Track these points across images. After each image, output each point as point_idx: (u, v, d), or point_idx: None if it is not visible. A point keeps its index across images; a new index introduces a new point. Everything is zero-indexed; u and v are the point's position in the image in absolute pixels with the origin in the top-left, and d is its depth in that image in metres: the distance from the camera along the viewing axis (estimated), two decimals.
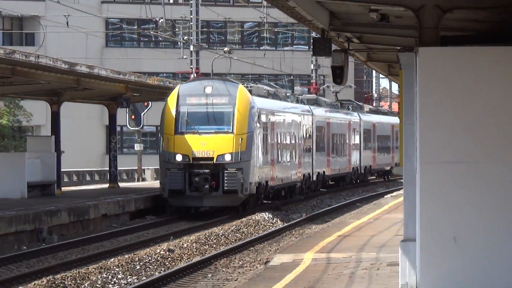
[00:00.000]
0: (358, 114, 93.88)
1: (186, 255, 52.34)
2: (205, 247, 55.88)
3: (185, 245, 54.87)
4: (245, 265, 46.40)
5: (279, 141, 51.77)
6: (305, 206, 73.82)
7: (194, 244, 55.62)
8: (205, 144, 38.27)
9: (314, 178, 70.34)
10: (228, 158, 38.96)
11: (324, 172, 74.66)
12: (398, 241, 28.12)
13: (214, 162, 38.42)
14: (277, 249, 48.23)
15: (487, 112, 21.45)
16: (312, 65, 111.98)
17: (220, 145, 39.14)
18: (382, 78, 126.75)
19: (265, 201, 57.65)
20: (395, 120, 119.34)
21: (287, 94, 77.36)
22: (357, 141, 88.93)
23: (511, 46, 22.10)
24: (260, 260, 45.10)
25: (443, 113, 21.81)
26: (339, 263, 34.38)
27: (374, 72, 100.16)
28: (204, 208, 47.74)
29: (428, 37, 22.97)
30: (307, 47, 71.99)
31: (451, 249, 21.38)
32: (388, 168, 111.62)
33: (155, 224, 49.61)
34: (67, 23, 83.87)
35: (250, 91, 48.60)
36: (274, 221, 71.24)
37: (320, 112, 73.99)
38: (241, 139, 39.02)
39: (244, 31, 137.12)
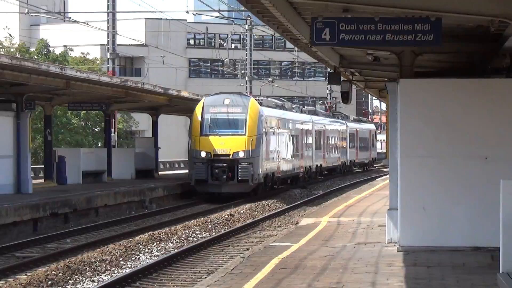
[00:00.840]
0: (346, 122, 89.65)
1: (242, 218, 48.75)
2: (255, 213, 51.40)
3: (242, 211, 51.05)
4: (282, 225, 44.77)
5: (284, 141, 49.70)
6: (321, 186, 70.45)
7: (248, 211, 51.71)
8: (224, 144, 36.52)
9: (314, 169, 67.53)
10: (241, 154, 36.71)
11: (321, 164, 71.93)
12: (386, 210, 27.71)
13: (231, 157, 36.29)
14: (303, 214, 45.47)
15: (445, 121, 22.32)
16: (327, 90, 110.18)
17: (235, 145, 36.82)
18: (375, 99, 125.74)
19: (275, 186, 54.87)
20: (372, 127, 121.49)
21: (292, 106, 73.56)
22: (345, 142, 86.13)
23: (459, 79, 23.26)
24: (292, 222, 43.92)
25: (416, 123, 22.72)
26: (345, 224, 33.61)
27: (369, 95, 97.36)
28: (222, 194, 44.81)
29: (405, 72, 23.44)
30: (324, 78, 69.35)
31: (421, 215, 22.14)
32: (366, 161, 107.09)
33: (197, 202, 45.77)
34: (163, 61, 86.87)
35: (260, 102, 46.22)
36: (302, 195, 66.27)
37: (317, 119, 72.18)
38: (252, 140, 36.66)
39: (282, 67, 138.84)
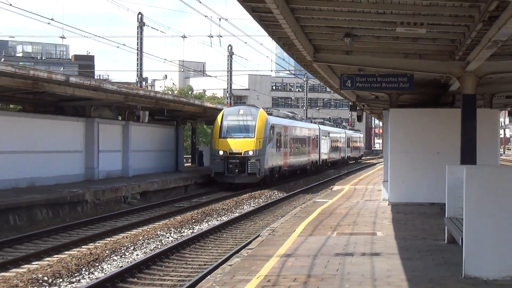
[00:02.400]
0: (344, 130, 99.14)
1: (297, 186, 55.72)
2: (306, 183, 58.51)
3: (298, 183, 59.10)
4: (323, 189, 49.60)
5: (291, 142, 54.76)
6: (339, 171, 77.79)
7: (301, 182, 59.96)
8: (237, 144, 40.97)
9: (320, 163, 73.52)
10: (251, 153, 41.23)
11: (326, 159, 78.38)
12: (381, 181, 34.12)
13: (242, 155, 40.72)
14: (335, 183, 50.85)
15: (414, 132, 27.45)
16: (349, 114, 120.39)
17: (246, 145, 41.18)
18: (376, 120, 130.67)
19: (287, 175, 58.54)
20: (361, 134, 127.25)
21: (303, 117, 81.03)
22: (343, 143, 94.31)
23: (422, 108, 28.73)
24: (328, 187, 48.61)
25: (398, 133, 27.79)
26: (359, 189, 40.04)
27: (373, 117, 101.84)
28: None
29: (393, 105, 28.94)
30: (348, 108, 68.02)
31: (401, 185, 27.43)
32: (357, 156, 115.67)
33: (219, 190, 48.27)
34: (257, 97, 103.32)
35: (270, 113, 51.23)
36: (334, 174, 74.10)
37: (323, 127, 77.78)
38: (259, 141, 40.99)
39: (324, 101, 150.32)
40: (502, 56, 18.96)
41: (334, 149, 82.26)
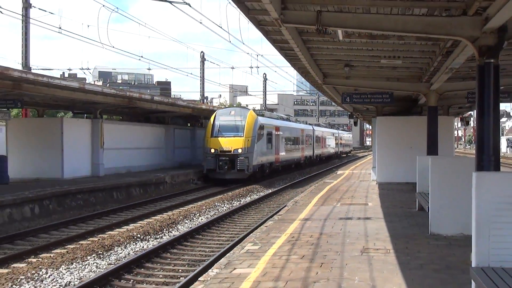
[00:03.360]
0: (338, 131, 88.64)
1: (310, 172, 50.43)
2: (317, 171, 50.74)
3: (310, 171, 51.87)
4: (330, 174, 44.43)
5: (283, 140, 44.50)
6: (335, 163, 68.01)
7: (310, 170, 52.42)
8: (227, 143, 33.86)
9: (314, 157, 61.21)
10: (239, 151, 34.07)
11: (320, 154, 66.01)
12: (370, 167, 32.41)
13: (232, 153, 33.75)
14: (338, 169, 44.04)
15: (395, 133, 26.70)
16: (348, 121, 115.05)
17: (235, 143, 33.96)
18: (367, 125, 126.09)
19: (280, 169, 46.62)
20: (350, 134, 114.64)
21: (297, 119, 65.76)
22: (336, 141, 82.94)
23: (399, 116, 28.01)
24: (334, 172, 44.26)
25: (383, 134, 27.26)
26: (356, 173, 37.56)
27: (365, 123, 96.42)
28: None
29: (379, 113, 28.00)
30: (347, 116, 62.88)
31: (385, 169, 26.69)
32: (347, 151, 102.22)
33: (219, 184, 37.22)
34: (284, 110, 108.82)
35: (262, 114, 41.90)
36: (337, 162, 69.55)
37: (317, 128, 65.81)
38: (248, 140, 33.94)
39: (331, 111, 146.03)
40: (455, 79, 18.82)
41: (327, 146, 73.03)
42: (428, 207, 12.61)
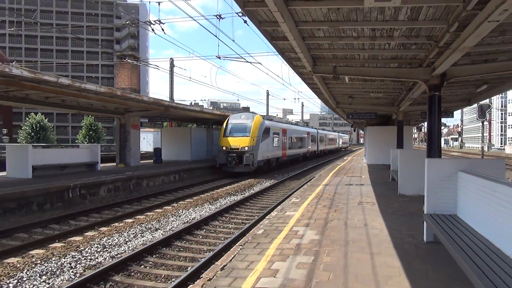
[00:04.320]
0: (338, 133, 72.86)
1: (324, 160, 40.28)
2: (330, 159, 42.12)
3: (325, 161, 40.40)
4: (331, 164, 35.93)
5: (290, 139, 33.52)
6: (336, 155, 55.63)
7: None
8: (236, 141, 25.61)
9: (318, 151, 47.61)
10: (246, 148, 25.55)
11: (324, 149, 51.66)
12: (363, 156, 31.72)
13: (239, 150, 25.40)
14: (343, 157, 41.30)
15: (378, 136, 25.69)
16: (350, 129, 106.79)
17: (242, 142, 25.58)
18: (361, 131, 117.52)
19: (288, 162, 33.44)
20: (347, 135, 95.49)
21: (305, 124, 54.27)
22: (337, 140, 66.56)
23: (381, 126, 26.30)
24: (335, 163, 36.58)
25: (371, 136, 26.16)
26: (354, 159, 31.11)
27: (360, 130, 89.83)
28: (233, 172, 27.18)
29: (368, 124, 27.38)
30: (350, 125, 57.12)
31: (372, 156, 25.86)
32: (345, 146, 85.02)
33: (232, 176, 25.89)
34: (313, 123, 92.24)
35: (270, 119, 31.80)
36: (337, 154, 52.76)
37: (322, 131, 51.70)
38: (253, 139, 25.81)
39: (340, 123, 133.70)
40: (414, 105, 17.99)
41: (330, 143, 59.38)
42: (397, 178, 12.28)
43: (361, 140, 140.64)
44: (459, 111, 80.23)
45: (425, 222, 6.53)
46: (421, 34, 8.01)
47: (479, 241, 4.78)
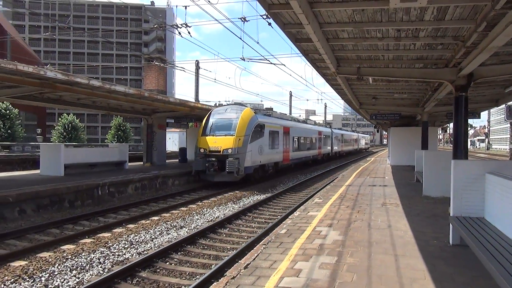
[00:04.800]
0: (357, 133, 64.21)
1: (348, 161, 35.10)
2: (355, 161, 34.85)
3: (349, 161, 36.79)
4: (363, 160, 37.11)
5: (294, 140, 26.92)
6: (357, 156, 50.25)
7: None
8: (216, 142, 18.73)
9: (332, 154, 39.92)
10: (229, 151, 18.42)
11: (339, 151, 44.22)
12: (387, 156, 31.11)
13: (221, 153, 18.43)
14: (360, 161, 38.86)
15: (402, 137, 25.19)
16: (373, 129, 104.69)
17: (225, 143, 18.49)
18: (384, 132, 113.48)
19: (292, 167, 27.35)
20: (367, 136, 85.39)
21: (316, 122, 39.84)
22: (356, 141, 58.59)
23: (405, 127, 25.61)
24: (358, 164, 26.78)
25: (394, 137, 25.74)
26: (378, 159, 30.28)
27: (384, 130, 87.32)
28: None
29: (392, 125, 26.65)
30: (373, 126, 54.66)
31: (395, 157, 25.29)
32: (366, 147, 75.69)
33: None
34: (336, 123, 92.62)
35: (269, 114, 24.47)
36: (366, 153, 52.85)
37: (337, 131, 44.98)
38: (239, 139, 18.49)
39: (364, 124, 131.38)
40: (439, 105, 17.64)
41: (347, 144, 50.93)
42: (422, 180, 12.03)
43: (385, 141, 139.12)
44: (486, 112, 77.64)
45: (451, 225, 6.36)
46: (447, 34, 7.82)
47: (507, 245, 4.62)
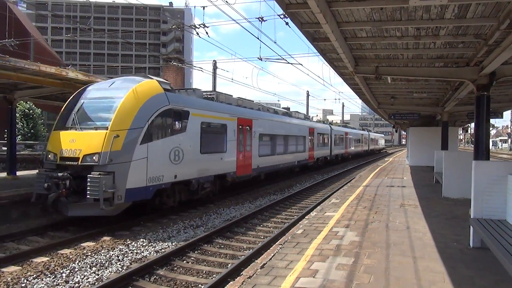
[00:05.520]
0: (368, 132, 54.08)
1: (360, 162, 31.96)
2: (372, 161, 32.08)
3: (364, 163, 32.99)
4: (380, 160, 36.23)
5: (262, 139, 16.53)
6: (367, 159, 43.15)
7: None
8: (74, 142, 7.54)
9: (333, 157, 31.51)
10: (94, 158, 7.41)
11: (343, 153, 35.09)
12: (405, 157, 31.00)
13: (80, 163, 7.40)
14: (378, 162, 34.34)
15: (421, 137, 24.91)
16: (392, 129, 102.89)
17: (89, 143, 7.43)
18: (403, 131, 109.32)
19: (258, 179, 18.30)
20: (381, 135, 75.89)
21: (309, 118, 33.69)
22: (366, 141, 48.92)
23: (424, 127, 25.25)
24: (375, 164, 26.85)
25: (413, 137, 25.45)
26: (396, 160, 32.11)
27: (402, 130, 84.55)
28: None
29: (411, 125, 26.26)
30: (392, 126, 53.46)
31: (414, 157, 24.90)
32: (380, 148, 65.42)
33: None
34: (353, 123, 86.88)
35: (211, 98, 13.24)
36: (382, 154, 45.42)
37: (338, 128, 35.40)
38: (117, 137, 7.58)
39: (383, 123, 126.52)
40: (459, 105, 17.27)
41: (355, 145, 41.92)
42: (442, 181, 11.90)
43: (403, 141, 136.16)
44: (509, 111, 75.85)
45: (471, 227, 6.26)
46: (468, 32, 7.67)
47: None
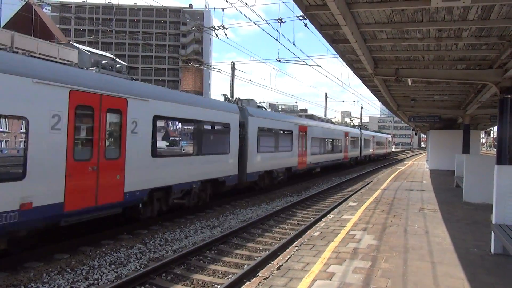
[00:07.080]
0: (389, 135, 55.59)
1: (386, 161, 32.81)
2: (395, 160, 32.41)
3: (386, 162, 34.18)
4: (400, 163, 35.22)
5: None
6: (400, 157, 49.67)
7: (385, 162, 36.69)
8: None
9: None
10: None
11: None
12: (425, 160, 30.37)
13: None
14: (399, 163, 33.62)
15: (442, 140, 24.57)
16: (412, 132, 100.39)
17: None
18: (423, 135, 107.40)
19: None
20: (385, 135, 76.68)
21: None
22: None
23: (445, 130, 25.00)
24: (398, 165, 31.62)
25: (434, 141, 25.16)
26: (416, 163, 31.82)
27: (422, 133, 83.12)
28: None
29: (432, 128, 26.13)
30: (411, 129, 52.26)
31: (434, 161, 24.68)
32: (386, 152, 55.58)
33: None
34: (372, 126, 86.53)
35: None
36: (403, 152, 54.54)
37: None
38: None
39: (402, 126, 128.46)
40: (482, 108, 16.89)
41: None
42: (463, 185, 11.68)
43: (423, 144, 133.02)
44: None
45: (493, 233, 6.12)
46: (492, 34, 7.55)
47: None
